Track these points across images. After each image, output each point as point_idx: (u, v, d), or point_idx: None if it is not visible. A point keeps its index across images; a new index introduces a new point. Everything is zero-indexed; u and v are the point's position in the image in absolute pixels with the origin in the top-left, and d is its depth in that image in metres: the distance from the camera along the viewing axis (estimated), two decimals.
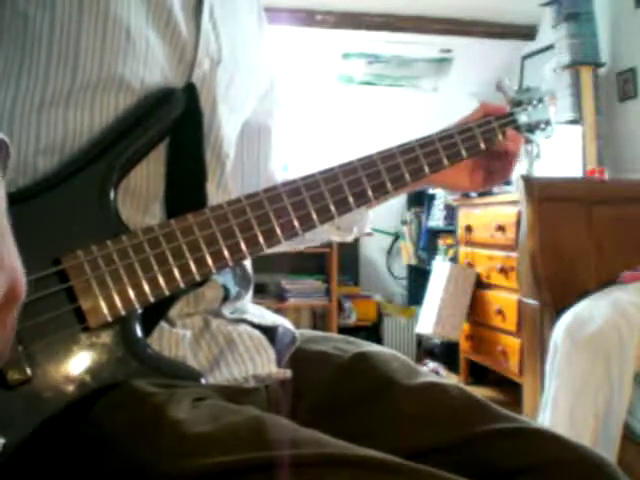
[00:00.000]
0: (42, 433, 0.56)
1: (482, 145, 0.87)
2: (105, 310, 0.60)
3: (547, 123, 0.95)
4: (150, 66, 0.67)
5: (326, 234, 0.96)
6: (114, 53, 0.65)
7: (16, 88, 0.63)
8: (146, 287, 0.62)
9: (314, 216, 0.71)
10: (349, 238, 0.99)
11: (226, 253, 0.66)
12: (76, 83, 0.64)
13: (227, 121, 0.76)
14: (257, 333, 0.76)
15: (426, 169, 0.80)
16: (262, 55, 0.87)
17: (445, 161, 0.82)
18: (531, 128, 0.94)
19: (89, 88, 0.64)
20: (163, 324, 0.67)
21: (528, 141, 0.95)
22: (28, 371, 0.56)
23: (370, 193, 0.76)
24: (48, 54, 0.63)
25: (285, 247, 0.88)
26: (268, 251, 0.70)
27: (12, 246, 0.48)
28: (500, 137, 0.89)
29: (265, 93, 0.88)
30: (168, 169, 0.69)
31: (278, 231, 0.69)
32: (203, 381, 0.65)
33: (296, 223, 0.70)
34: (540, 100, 0.95)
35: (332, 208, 0.73)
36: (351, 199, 0.74)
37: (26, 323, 0.56)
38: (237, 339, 0.73)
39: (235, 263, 0.67)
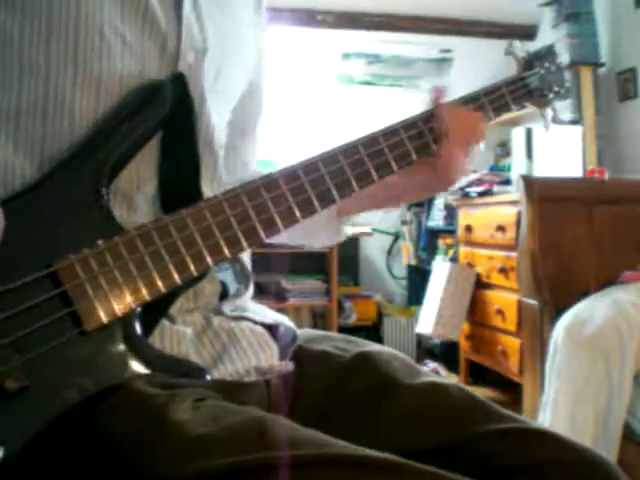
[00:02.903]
0: (44, 439, 0.56)
1: (492, 115, 0.84)
2: (101, 312, 0.59)
3: (561, 86, 0.90)
4: (128, 63, 0.66)
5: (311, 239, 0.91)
6: (88, 54, 0.64)
7: None
8: (142, 286, 0.61)
9: (315, 202, 0.70)
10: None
11: (223, 246, 0.64)
12: (50, 91, 0.63)
13: (217, 111, 0.74)
14: (260, 329, 0.76)
15: (433, 146, 0.79)
16: (254, 41, 0.84)
17: None
18: (544, 93, 0.89)
19: (66, 93, 0.63)
20: (164, 321, 0.66)
21: (542, 106, 0.91)
22: (25, 379, 0.56)
23: (374, 173, 0.74)
24: (20, 64, 0.62)
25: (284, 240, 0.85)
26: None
27: None
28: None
29: (251, 79, 0.84)
30: (161, 166, 0.68)
31: (277, 219, 0.67)
32: (208, 377, 0.64)
33: (296, 210, 0.68)
34: (553, 62, 0.90)
35: (334, 192, 0.71)
36: (354, 181, 0.72)
37: (22, 331, 0.55)
38: (240, 335, 0.73)
39: (233, 256, 0.66)
